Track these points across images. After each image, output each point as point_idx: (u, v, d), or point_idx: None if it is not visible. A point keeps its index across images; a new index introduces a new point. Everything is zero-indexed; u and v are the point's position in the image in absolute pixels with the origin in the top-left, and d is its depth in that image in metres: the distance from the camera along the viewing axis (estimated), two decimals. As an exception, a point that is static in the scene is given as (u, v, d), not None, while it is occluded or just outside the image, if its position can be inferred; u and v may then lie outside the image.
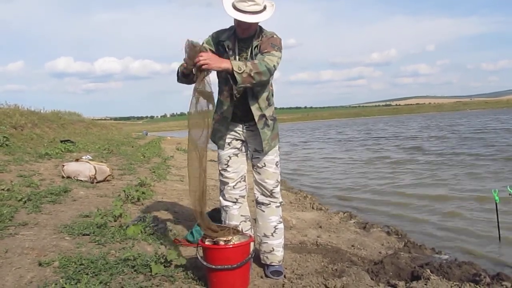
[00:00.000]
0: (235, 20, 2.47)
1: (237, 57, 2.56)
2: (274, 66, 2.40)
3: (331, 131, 37.36)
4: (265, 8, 2.45)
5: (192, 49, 2.27)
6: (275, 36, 2.56)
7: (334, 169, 10.90)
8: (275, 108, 2.79)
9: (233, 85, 2.40)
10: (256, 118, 2.62)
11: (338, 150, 16.89)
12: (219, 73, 2.64)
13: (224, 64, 2.27)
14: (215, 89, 2.60)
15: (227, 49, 2.56)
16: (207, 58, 2.24)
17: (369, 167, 10.42)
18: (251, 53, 2.55)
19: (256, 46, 2.53)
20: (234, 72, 2.25)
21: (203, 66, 2.23)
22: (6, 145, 7.80)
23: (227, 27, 2.65)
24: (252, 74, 2.28)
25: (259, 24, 2.55)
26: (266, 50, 2.45)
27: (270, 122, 2.67)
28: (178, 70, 2.50)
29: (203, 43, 2.60)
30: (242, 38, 2.57)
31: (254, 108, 2.61)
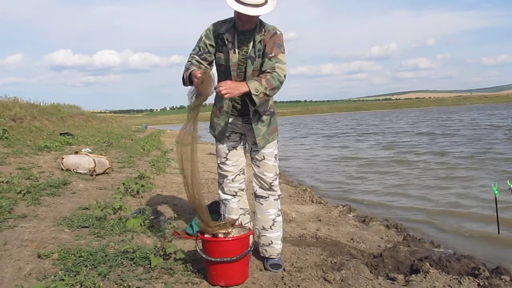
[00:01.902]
0: (235, 12, 2.43)
1: (236, 50, 2.52)
2: (285, 76, 2.48)
3: (326, 126, 37.34)
4: (266, 2, 2.42)
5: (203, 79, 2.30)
6: (277, 32, 2.53)
7: (332, 165, 10.90)
8: (275, 102, 2.78)
9: (250, 105, 2.47)
10: (251, 114, 2.60)
11: (335, 145, 16.88)
12: (219, 67, 2.62)
13: (244, 88, 2.36)
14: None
15: (226, 42, 2.53)
16: (228, 87, 2.30)
17: (367, 163, 10.41)
18: (254, 46, 2.51)
19: (260, 41, 2.50)
20: (252, 95, 2.35)
21: (226, 96, 2.31)
22: (6, 137, 7.79)
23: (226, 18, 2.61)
24: (268, 92, 2.40)
25: (259, 17, 2.52)
26: (273, 54, 2.47)
27: (265, 117, 2.65)
28: (184, 76, 2.47)
29: (201, 37, 2.58)
30: (242, 31, 2.53)
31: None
